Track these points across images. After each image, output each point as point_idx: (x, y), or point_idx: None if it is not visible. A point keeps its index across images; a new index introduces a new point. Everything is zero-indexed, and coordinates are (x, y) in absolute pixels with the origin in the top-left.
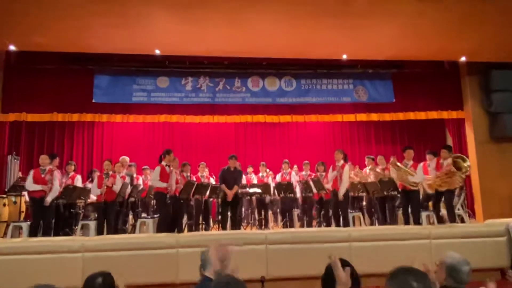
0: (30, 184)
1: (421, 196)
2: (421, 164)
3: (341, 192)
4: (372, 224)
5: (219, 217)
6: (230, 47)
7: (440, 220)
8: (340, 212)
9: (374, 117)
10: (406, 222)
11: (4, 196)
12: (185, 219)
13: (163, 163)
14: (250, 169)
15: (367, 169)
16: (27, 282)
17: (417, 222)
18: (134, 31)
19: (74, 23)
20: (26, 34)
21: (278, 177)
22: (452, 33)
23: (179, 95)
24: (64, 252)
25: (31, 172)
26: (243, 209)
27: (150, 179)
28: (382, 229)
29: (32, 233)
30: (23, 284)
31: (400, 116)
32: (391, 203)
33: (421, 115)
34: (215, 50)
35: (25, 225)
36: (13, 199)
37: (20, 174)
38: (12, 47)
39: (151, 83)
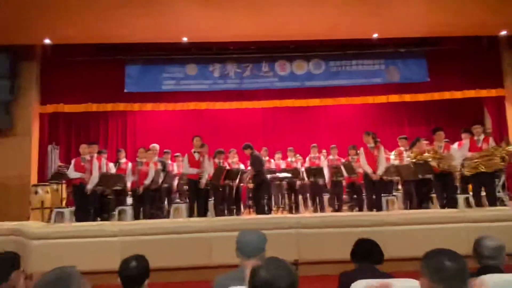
0: (71, 172)
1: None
2: (455, 145)
3: (379, 172)
4: (406, 208)
5: (250, 202)
6: (257, 31)
7: (479, 203)
8: (374, 196)
9: (407, 97)
10: (442, 206)
11: (47, 184)
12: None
13: (192, 150)
14: (278, 155)
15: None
16: (70, 263)
17: (453, 205)
18: (161, 19)
19: (103, 14)
20: (59, 27)
21: (307, 162)
22: (491, 6)
23: (207, 82)
24: (103, 236)
25: (73, 161)
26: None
27: (182, 166)
28: (417, 213)
29: (76, 218)
30: (67, 265)
31: (435, 96)
32: (426, 187)
33: (457, 94)
34: (241, 35)
35: (67, 211)
36: (54, 186)
37: (59, 163)
38: (47, 41)
39: (180, 71)
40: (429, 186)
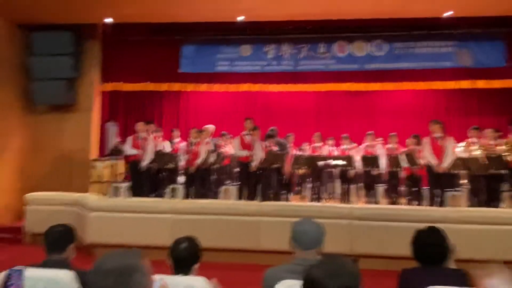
0: (128, 149)
1: None
2: None
3: (445, 164)
4: (471, 205)
5: (298, 187)
6: (316, 9)
7: None
8: (437, 190)
9: (480, 84)
10: None
11: (105, 159)
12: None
13: (244, 132)
14: (330, 141)
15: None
16: (123, 236)
17: None
18: None
19: None
20: (120, 6)
21: (361, 150)
22: None
23: (261, 63)
24: (156, 213)
25: (130, 138)
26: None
27: (230, 146)
28: (486, 211)
29: (131, 193)
30: (120, 238)
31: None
32: (497, 183)
33: None
34: (299, 14)
35: (123, 186)
36: (112, 161)
37: (117, 139)
38: (108, 20)
39: (234, 52)
40: (500, 183)
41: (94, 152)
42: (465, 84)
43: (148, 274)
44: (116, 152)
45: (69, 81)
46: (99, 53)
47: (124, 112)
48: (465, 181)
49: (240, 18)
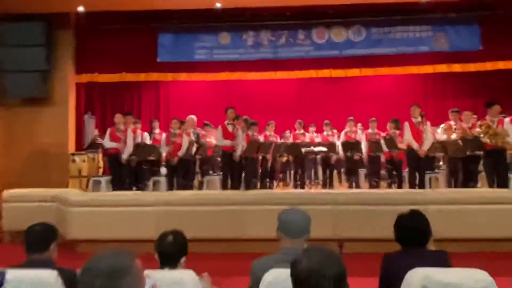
0: (107, 142)
1: None
2: (507, 119)
3: (425, 148)
4: (450, 187)
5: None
6: None
7: None
8: (416, 173)
9: (456, 67)
10: (491, 186)
11: (84, 152)
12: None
13: (226, 121)
14: (312, 128)
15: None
16: (106, 231)
17: (504, 185)
18: None
19: None
20: None
21: (342, 136)
22: None
23: (240, 51)
24: (139, 206)
25: (108, 131)
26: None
27: (212, 136)
28: (464, 192)
29: (112, 187)
30: (103, 232)
31: (487, 66)
32: (474, 164)
33: None
34: (277, 0)
35: (104, 180)
36: (91, 155)
37: (96, 132)
38: (81, 8)
39: (213, 40)
40: (477, 164)
41: (71, 146)
42: (442, 68)
43: (140, 277)
44: (95, 146)
45: (42, 73)
46: (73, 44)
47: (101, 104)
48: (443, 163)
49: (218, 5)
